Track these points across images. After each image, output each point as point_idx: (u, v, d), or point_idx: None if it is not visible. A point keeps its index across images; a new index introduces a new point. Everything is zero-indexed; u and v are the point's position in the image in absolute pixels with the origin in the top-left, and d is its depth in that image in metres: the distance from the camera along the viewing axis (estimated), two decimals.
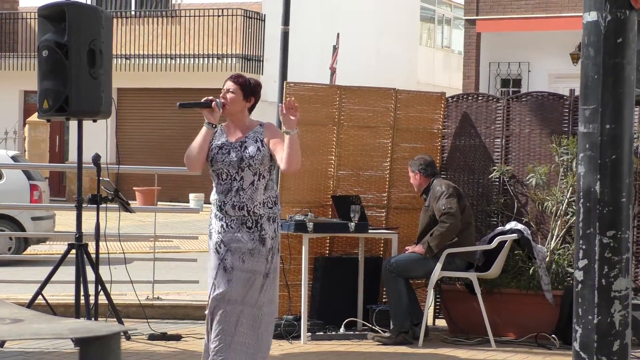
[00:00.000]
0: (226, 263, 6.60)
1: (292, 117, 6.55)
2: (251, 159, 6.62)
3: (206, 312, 6.75)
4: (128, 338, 8.64)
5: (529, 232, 9.26)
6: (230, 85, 6.85)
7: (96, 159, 7.76)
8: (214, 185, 6.80)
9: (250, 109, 6.95)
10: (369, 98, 10.05)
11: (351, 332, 9.21)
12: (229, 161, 6.67)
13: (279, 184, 8.95)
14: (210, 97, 6.82)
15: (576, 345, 2.74)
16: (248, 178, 6.64)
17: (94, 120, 7.79)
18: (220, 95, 6.83)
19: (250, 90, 6.90)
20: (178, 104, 7.03)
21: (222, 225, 6.66)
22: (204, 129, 6.73)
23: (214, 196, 6.79)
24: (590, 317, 2.71)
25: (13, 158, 16.76)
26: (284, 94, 9.58)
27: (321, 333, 8.90)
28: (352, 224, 9.01)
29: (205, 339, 6.73)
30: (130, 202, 8.75)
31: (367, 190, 9.89)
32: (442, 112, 10.09)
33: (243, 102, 6.85)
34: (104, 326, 2.09)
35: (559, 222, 9.38)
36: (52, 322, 2.29)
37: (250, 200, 6.62)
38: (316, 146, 9.62)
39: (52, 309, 8.30)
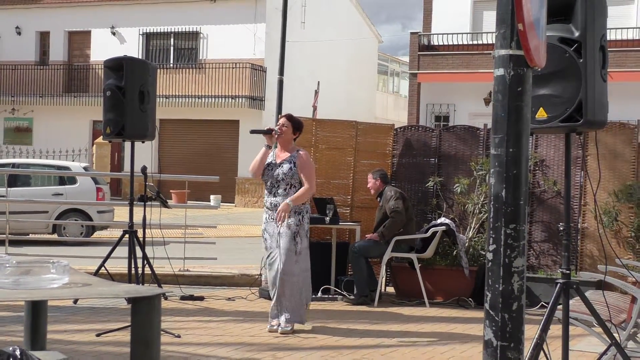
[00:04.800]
0: (266, 244, 7.18)
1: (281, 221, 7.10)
2: (284, 175, 7.08)
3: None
4: (165, 298, 8.61)
5: (454, 225, 9.29)
6: (284, 121, 7.27)
7: (144, 169, 7.74)
8: (265, 189, 7.28)
9: (295, 139, 7.37)
10: (337, 128, 10.09)
11: (326, 296, 9.21)
12: (271, 174, 7.12)
13: None
14: (272, 127, 7.25)
15: (487, 305, 2.75)
16: (282, 187, 7.08)
17: (143, 142, 7.76)
18: (277, 127, 7.22)
19: (297, 126, 7.35)
20: (250, 130, 7.45)
21: (265, 218, 7.18)
22: (263, 149, 7.18)
23: (265, 197, 7.29)
24: (497, 285, 2.72)
25: (84, 168, 16.78)
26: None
27: None
28: (327, 218, 9.03)
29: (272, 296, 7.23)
30: (167, 200, 8.73)
31: (336, 194, 9.90)
32: (392, 139, 10.11)
33: (291, 134, 7.27)
34: (149, 289, 2.09)
35: (475, 219, 9.42)
36: (112, 286, 2.29)
37: (283, 201, 7.05)
38: None
39: (112, 277, 8.27)
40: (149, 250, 7.90)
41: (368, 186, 9.35)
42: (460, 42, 26.46)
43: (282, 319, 7.07)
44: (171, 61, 29.70)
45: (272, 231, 7.09)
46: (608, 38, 4.72)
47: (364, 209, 10.01)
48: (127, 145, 7.70)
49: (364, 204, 10.00)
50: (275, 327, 7.09)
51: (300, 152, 7.23)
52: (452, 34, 26.42)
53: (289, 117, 7.31)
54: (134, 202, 7.73)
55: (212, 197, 25.67)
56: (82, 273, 2.38)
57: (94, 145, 28.23)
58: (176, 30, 29.61)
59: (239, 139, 28.36)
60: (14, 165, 16.10)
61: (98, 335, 6.68)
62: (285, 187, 7.07)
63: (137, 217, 7.72)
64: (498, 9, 2.78)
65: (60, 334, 6.72)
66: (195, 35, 29.52)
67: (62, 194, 15.59)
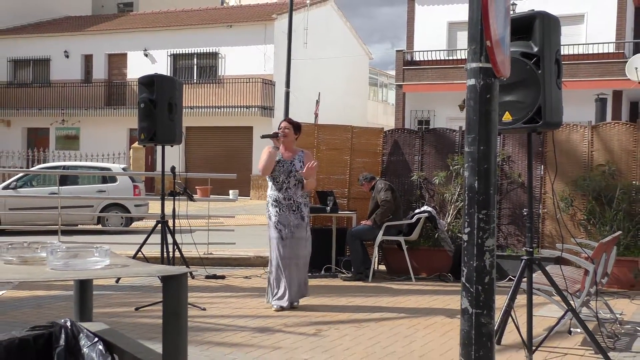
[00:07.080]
0: (282, 234, 6.76)
1: (308, 178, 6.78)
2: (296, 172, 6.84)
3: (271, 261, 6.89)
4: (192, 277, 8.62)
5: (435, 212, 9.28)
6: (286, 124, 7.01)
7: (173, 169, 7.74)
8: (270, 185, 6.89)
9: (296, 139, 7.09)
10: (335, 131, 10.06)
11: (328, 274, 9.21)
12: (283, 171, 6.83)
13: None
14: (278, 131, 6.92)
15: (463, 279, 2.75)
16: (292, 182, 6.82)
17: (171, 146, 7.76)
18: (280, 130, 6.94)
19: (297, 128, 7.09)
20: (260, 135, 7.14)
21: (276, 211, 6.79)
22: (271, 150, 6.85)
23: (271, 192, 6.88)
24: (471, 262, 2.71)
25: (123, 169, 16.79)
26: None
27: (309, 274, 8.88)
28: (328, 208, 9.02)
29: (272, 278, 6.92)
30: (193, 195, 8.73)
31: (335, 187, 9.89)
32: (382, 140, 10.10)
33: (293, 135, 7.02)
34: (178, 269, 2.08)
35: (452, 206, 9.42)
36: (146, 267, 2.28)
37: (295, 195, 6.81)
38: None
39: (147, 260, 8.28)
40: (178, 237, 7.90)
41: (363, 189, 9.40)
42: (438, 58, 26.43)
43: (286, 297, 6.86)
44: (195, 77, 29.69)
45: (286, 222, 6.79)
46: (562, 53, 4.73)
47: (359, 199, 10.00)
48: (159, 148, 7.69)
49: (359, 195, 10.00)
50: (285, 306, 6.91)
51: (305, 151, 7.09)
52: (431, 50, 26.38)
53: (290, 121, 7.11)
54: (165, 197, 7.73)
55: (230, 191, 25.67)
56: (122, 256, 2.38)
57: (131, 149, 28.22)
58: (199, 51, 29.60)
59: (252, 142, 28.37)
60: (64, 167, 16.20)
61: (136, 309, 6.68)
62: (296, 183, 6.84)
63: (168, 209, 7.73)
64: (469, 29, 2.77)
65: (105, 307, 6.72)
66: (214, 55, 29.50)
67: (104, 191, 15.62)
